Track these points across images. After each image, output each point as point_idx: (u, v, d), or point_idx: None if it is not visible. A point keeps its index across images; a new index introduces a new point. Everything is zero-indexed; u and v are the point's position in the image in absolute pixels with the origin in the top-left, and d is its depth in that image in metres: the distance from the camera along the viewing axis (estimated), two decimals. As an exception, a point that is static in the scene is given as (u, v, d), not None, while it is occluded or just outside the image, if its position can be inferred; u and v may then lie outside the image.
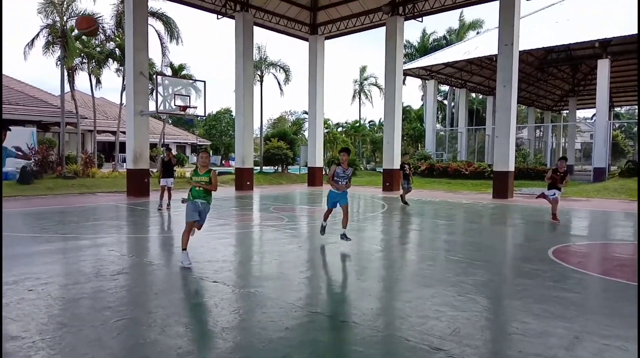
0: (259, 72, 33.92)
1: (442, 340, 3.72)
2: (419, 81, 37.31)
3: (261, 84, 34.22)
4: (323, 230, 8.03)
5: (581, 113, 43.90)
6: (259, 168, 29.57)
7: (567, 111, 40.89)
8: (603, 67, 24.61)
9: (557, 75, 35.14)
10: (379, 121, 51.03)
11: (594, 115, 32.81)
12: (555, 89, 38.60)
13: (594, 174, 24.71)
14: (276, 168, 29.37)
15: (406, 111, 45.66)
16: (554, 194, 10.67)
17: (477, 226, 10.94)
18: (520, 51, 17.67)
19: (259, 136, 37.61)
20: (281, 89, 35.43)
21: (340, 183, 7.54)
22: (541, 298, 4.89)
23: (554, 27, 27.20)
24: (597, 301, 5.08)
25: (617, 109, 49.29)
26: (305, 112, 39.22)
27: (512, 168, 17.48)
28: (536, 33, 25.97)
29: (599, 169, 24.58)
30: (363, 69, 48.79)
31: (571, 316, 4.32)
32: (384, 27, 20.91)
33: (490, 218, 12.36)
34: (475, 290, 5.21)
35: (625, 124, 50.74)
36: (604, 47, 24.30)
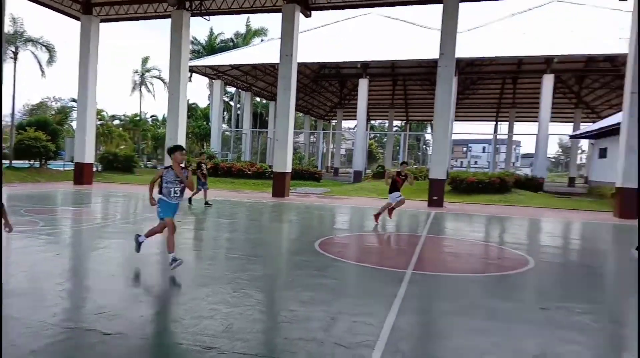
0: (12, 48, 28.11)
1: (215, 338, 3.73)
2: (206, 80, 36.95)
3: (15, 62, 28.46)
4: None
5: (346, 123, 50.81)
6: (7, 162, 24.44)
7: (336, 121, 46.76)
8: (363, 86, 29.05)
9: (328, 88, 39.91)
10: (163, 116, 48.52)
11: (355, 126, 38.30)
12: (326, 101, 43.72)
13: (354, 175, 29.02)
14: (32, 162, 24.82)
15: (192, 108, 44.71)
16: (400, 196, 10.96)
17: (257, 224, 11.47)
18: (298, 63, 19.32)
19: (10, 123, 31.13)
20: (42, 71, 30.15)
21: (173, 191, 5.82)
22: (308, 287, 5.42)
23: (327, 46, 30.72)
24: (351, 284, 5.91)
25: (373, 121, 58.73)
26: (74, 100, 34.34)
27: (289, 169, 18.97)
28: (313, 49, 28.86)
29: (358, 172, 28.98)
30: (145, 60, 45.47)
31: (330, 300, 4.91)
32: (170, 20, 19.98)
33: (269, 215, 13.13)
34: (251, 284, 5.43)
35: (378, 134, 61.12)
36: (365, 68, 28.72)
